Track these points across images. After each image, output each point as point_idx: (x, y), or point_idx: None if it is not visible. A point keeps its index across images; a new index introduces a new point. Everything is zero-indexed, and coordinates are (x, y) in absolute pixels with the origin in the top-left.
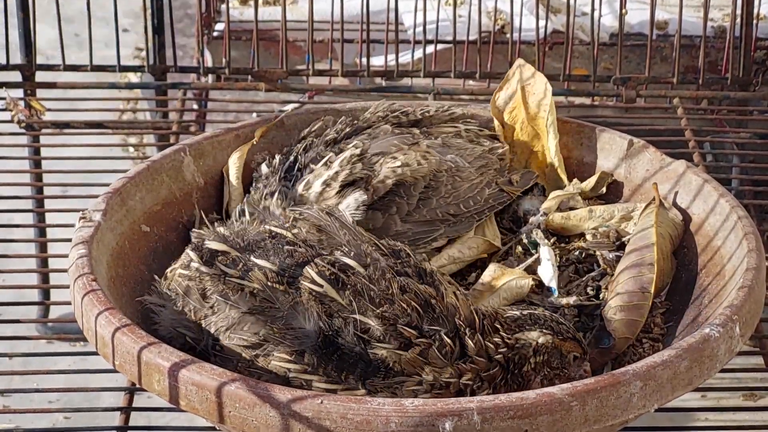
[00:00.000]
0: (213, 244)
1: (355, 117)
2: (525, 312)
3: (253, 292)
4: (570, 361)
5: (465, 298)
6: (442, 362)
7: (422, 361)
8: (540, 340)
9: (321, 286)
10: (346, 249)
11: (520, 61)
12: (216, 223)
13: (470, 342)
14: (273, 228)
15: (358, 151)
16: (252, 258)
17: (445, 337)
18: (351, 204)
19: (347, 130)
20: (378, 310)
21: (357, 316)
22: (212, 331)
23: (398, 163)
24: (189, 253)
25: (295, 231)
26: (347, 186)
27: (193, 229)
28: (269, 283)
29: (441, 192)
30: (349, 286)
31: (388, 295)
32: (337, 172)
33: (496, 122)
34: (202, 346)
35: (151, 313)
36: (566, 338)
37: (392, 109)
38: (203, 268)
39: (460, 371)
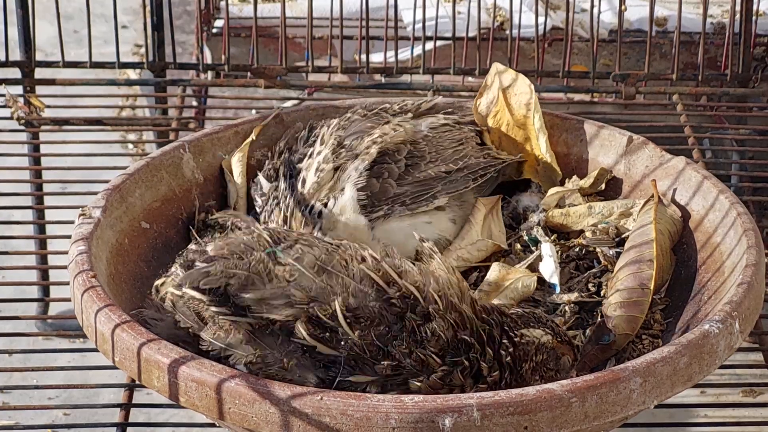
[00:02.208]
0: (204, 266)
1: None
2: (527, 310)
3: (248, 329)
4: (563, 365)
5: (475, 314)
6: (461, 381)
7: (441, 384)
8: (543, 339)
9: (314, 347)
10: (351, 303)
11: (498, 66)
12: (207, 239)
13: (484, 364)
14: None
15: (338, 130)
16: (242, 295)
17: (466, 361)
18: (353, 174)
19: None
20: (384, 364)
21: (351, 378)
22: (213, 349)
23: (376, 135)
24: (179, 273)
25: (289, 271)
26: (337, 170)
27: (187, 249)
28: (262, 322)
29: (426, 158)
30: (342, 343)
31: (403, 350)
32: (326, 155)
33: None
34: None
35: (148, 322)
36: (563, 341)
37: (370, 107)
38: (197, 295)
39: (479, 390)
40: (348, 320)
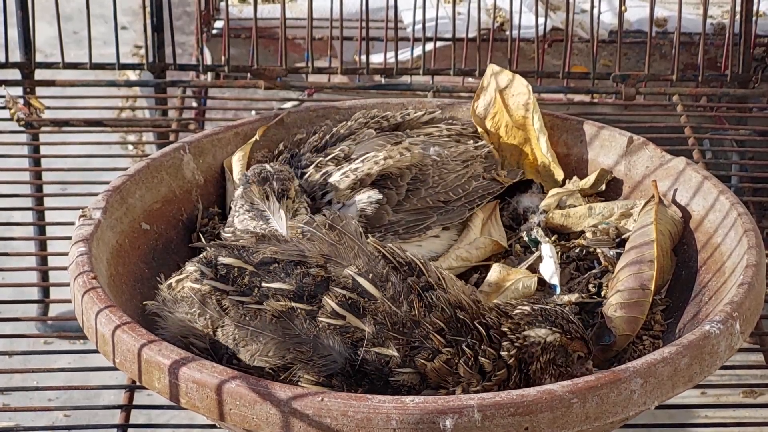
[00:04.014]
0: (227, 260)
1: (335, 124)
2: (536, 307)
3: (274, 314)
4: (574, 360)
5: (473, 304)
6: (468, 373)
7: (448, 370)
8: (548, 339)
9: (343, 317)
10: (364, 268)
11: (494, 67)
12: (222, 232)
13: (484, 359)
14: (277, 251)
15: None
16: (264, 284)
17: (467, 349)
18: (364, 199)
19: (327, 138)
20: (401, 338)
21: (376, 350)
22: (230, 344)
23: (381, 157)
24: (199, 267)
25: (304, 251)
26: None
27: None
28: (289, 307)
29: (429, 183)
30: (369, 313)
31: (412, 317)
32: (356, 167)
33: (479, 130)
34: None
35: (156, 317)
36: (574, 337)
37: (372, 115)
38: (219, 285)
39: (485, 389)
40: (369, 281)
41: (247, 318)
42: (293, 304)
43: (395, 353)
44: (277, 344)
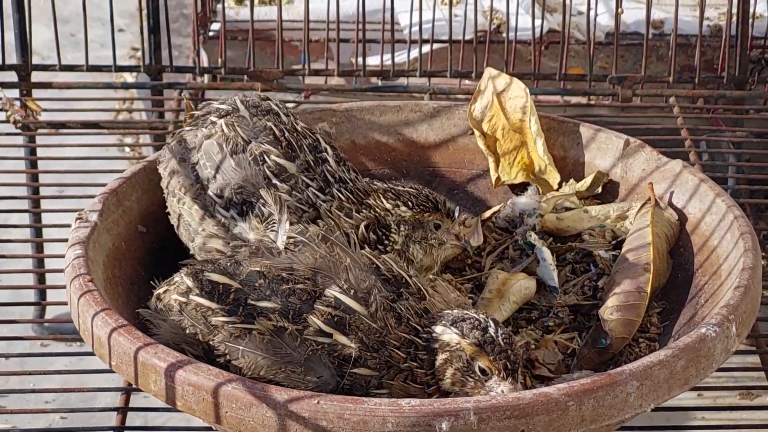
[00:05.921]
0: (213, 276)
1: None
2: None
3: (261, 332)
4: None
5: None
6: (417, 389)
7: (406, 388)
8: (463, 343)
9: (330, 335)
10: (346, 285)
11: (491, 71)
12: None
13: (419, 372)
14: (268, 266)
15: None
16: (250, 301)
17: (411, 361)
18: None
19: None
20: (378, 357)
21: (358, 371)
22: (221, 357)
23: None
24: (186, 280)
25: (293, 264)
26: None
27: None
28: (277, 326)
29: None
30: (354, 329)
31: (383, 335)
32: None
33: (476, 133)
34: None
35: (149, 324)
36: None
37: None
38: (204, 302)
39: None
40: (352, 297)
41: (236, 336)
42: (283, 323)
43: (374, 373)
44: (268, 363)
